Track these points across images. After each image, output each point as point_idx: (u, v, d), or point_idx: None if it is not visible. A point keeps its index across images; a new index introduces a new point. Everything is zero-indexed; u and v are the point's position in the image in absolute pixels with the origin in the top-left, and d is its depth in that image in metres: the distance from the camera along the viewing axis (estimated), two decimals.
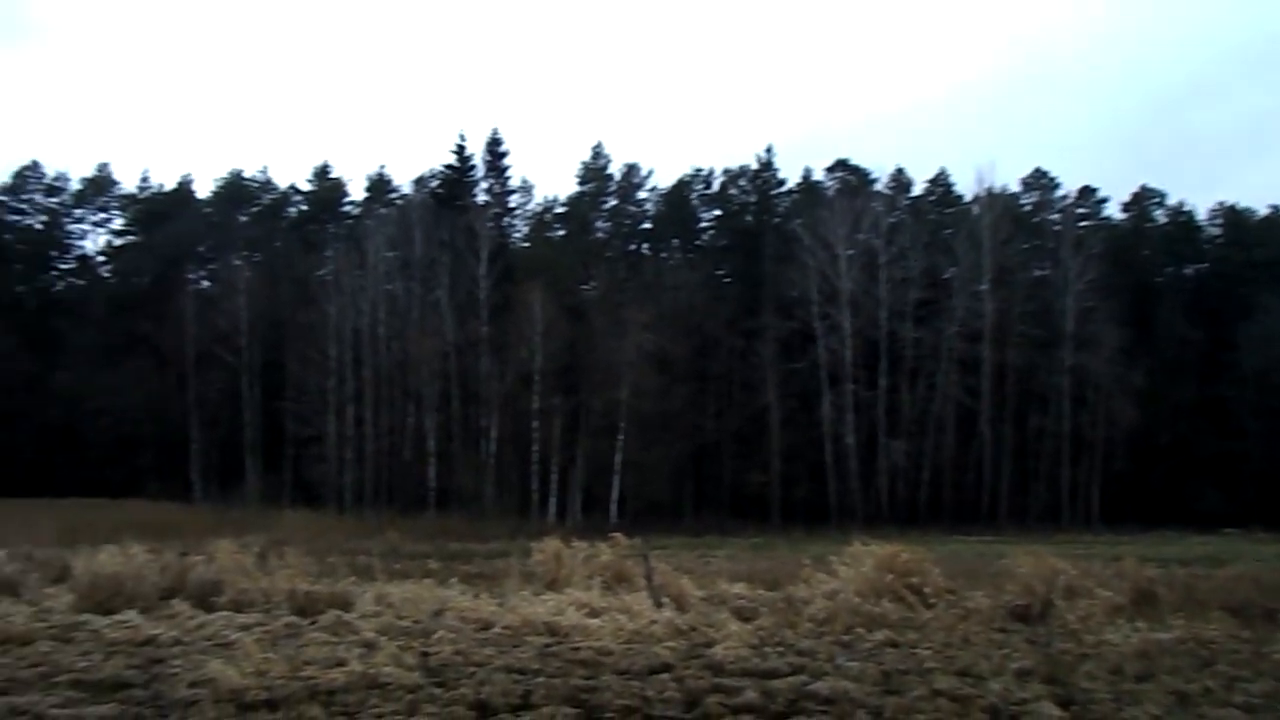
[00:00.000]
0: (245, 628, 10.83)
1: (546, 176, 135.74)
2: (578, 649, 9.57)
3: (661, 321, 48.60)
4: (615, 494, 45.82)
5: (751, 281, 53.74)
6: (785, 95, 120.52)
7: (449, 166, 55.87)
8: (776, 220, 57.73)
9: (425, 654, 9.17)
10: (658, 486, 46.47)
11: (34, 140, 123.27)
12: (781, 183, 60.37)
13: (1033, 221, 57.97)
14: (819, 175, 60.77)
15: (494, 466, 46.31)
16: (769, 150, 60.00)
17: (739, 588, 14.35)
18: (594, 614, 11.40)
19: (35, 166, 62.44)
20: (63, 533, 26.79)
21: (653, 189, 62.27)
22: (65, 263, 63.21)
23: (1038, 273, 53.78)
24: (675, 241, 61.37)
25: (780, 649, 9.69)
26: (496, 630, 10.71)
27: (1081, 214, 57.76)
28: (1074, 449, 48.43)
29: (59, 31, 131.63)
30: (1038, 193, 59.70)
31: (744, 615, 11.75)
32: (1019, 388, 49.45)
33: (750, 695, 7.49)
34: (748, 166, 60.43)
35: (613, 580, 13.81)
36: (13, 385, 51.13)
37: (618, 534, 15.93)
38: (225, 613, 12.00)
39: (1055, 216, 58.23)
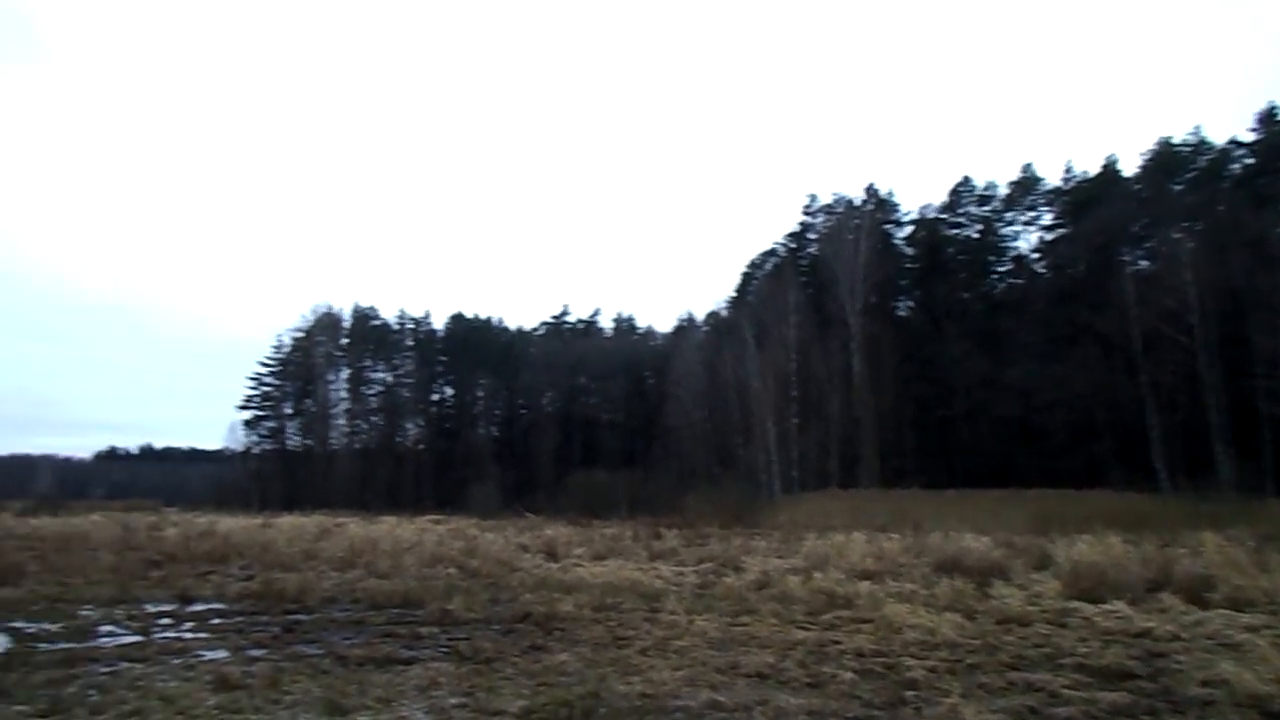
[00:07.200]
0: (1251, 629, 10.10)
1: None
2: None
3: None
4: None
5: None
6: None
7: None
8: None
9: None
10: None
11: (963, 159, 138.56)
12: None
13: None
14: None
15: None
16: None
17: None
18: None
19: (966, 182, 70.07)
20: (1032, 521, 28.92)
21: None
22: (1002, 265, 68.84)
23: None
24: None
25: None
26: None
27: None
28: None
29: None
30: None
31: None
32: None
33: None
34: None
35: None
36: (970, 384, 57.62)
37: None
38: (1222, 611, 11.37)
39: None
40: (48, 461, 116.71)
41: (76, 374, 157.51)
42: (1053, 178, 67.08)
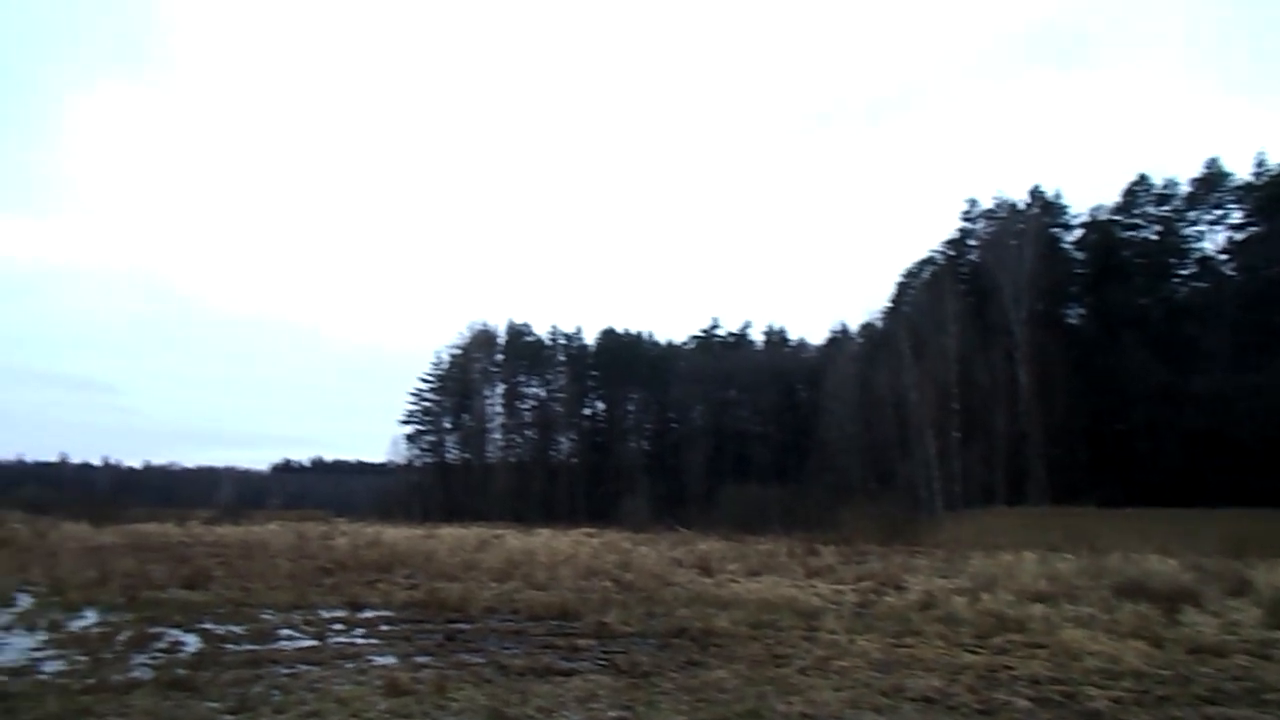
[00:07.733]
0: None
1: None
2: None
3: None
4: None
5: None
6: None
7: None
8: None
9: None
10: None
11: (1138, 156, 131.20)
12: None
13: None
14: None
15: None
16: None
17: None
18: None
19: (1143, 180, 66.11)
20: (1225, 543, 26.92)
21: None
22: (1185, 268, 64.67)
23: None
24: None
25: None
26: None
27: None
28: None
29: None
30: None
31: None
32: None
33: None
34: None
35: None
36: (1150, 395, 54.29)
37: None
38: None
39: None
40: (229, 473, 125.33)
41: (255, 392, 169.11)
42: (1242, 172, 62.67)
